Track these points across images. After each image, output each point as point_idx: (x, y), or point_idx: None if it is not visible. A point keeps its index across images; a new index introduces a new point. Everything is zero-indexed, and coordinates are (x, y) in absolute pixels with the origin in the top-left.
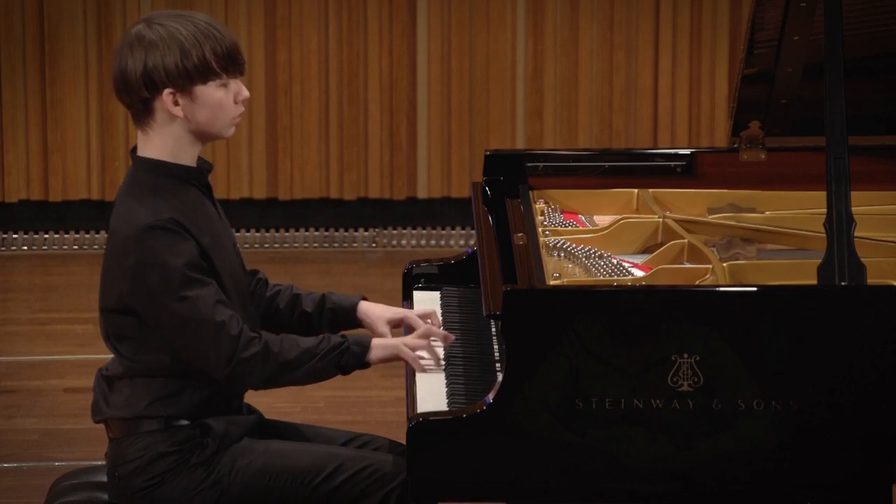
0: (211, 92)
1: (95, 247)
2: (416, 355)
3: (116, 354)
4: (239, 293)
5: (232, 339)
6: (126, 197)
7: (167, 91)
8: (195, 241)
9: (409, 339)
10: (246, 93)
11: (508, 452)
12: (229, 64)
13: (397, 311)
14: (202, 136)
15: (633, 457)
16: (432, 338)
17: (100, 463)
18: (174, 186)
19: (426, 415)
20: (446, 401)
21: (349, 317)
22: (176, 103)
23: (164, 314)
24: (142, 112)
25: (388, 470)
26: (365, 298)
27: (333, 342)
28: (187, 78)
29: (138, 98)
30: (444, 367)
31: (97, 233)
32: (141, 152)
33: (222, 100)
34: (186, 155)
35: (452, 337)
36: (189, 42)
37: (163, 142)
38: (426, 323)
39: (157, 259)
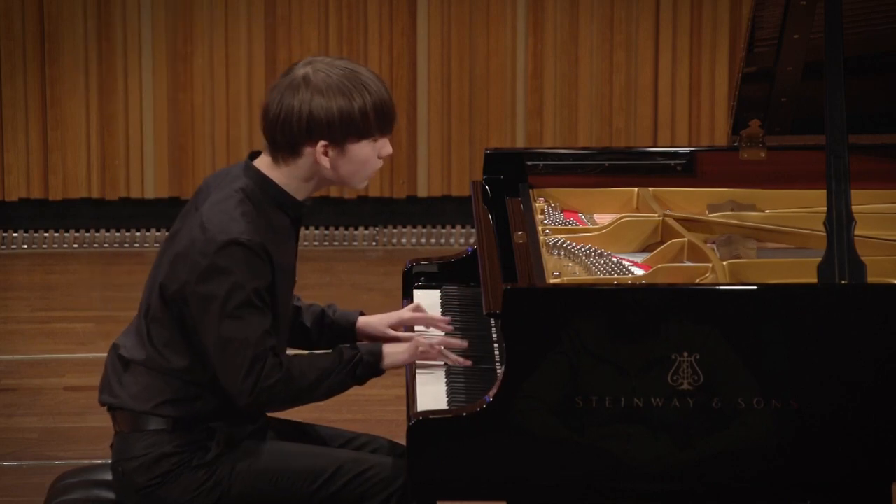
0: (361, 148)
1: (95, 245)
2: (438, 351)
3: (146, 336)
4: (286, 326)
5: (260, 371)
6: (230, 196)
7: (321, 143)
8: (272, 276)
9: (424, 340)
10: (389, 149)
11: (508, 451)
12: (385, 123)
13: (393, 316)
14: (332, 183)
15: (633, 456)
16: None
17: (100, 461)
18: (274, 210)
19: (426, 413)
20: (446, 399)
21: (348, 334)
22: (326, 154)
23: (212, 324)
24: (285, 151)
25: (389, 473)
26: (363, 313)
27: (347, 356)
28: (345, 133)
29: (291, 140)
30: (444, 366)
31: (97, 231)
32: (260, 165)
33: (369, 156)
34: (302, 192)
35: (465, 343)
36: (353, 96)
37: (290, 174)
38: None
39: (231, 273)
